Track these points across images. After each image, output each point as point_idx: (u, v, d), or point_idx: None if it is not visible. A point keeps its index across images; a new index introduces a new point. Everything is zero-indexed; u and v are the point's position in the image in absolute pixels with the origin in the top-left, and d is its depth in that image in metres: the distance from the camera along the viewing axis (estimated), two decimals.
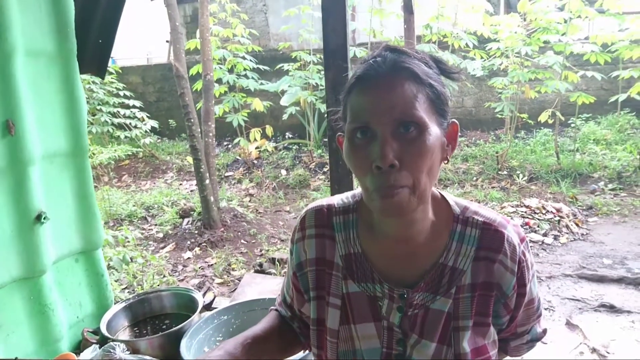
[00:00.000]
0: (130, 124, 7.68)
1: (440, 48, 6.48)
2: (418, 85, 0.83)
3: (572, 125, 6.80)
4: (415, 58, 0.86)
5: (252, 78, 7.23)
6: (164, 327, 1.80)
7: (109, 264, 3.44)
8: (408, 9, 4.74)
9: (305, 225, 1.04)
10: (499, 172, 6.49)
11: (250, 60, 7.15)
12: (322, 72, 7.43)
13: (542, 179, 6.23)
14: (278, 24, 8.82)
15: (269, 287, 2.29)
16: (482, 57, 6.54)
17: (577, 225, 4.92)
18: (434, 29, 6.33)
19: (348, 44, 2.11)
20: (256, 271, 4.23)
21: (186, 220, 5.60)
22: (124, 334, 1.77)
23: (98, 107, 7.54)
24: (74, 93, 1.69)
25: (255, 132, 7.12)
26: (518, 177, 6.22)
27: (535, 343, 1.10)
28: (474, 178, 6.47)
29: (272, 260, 4.44)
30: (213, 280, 4.44)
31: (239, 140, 7.18)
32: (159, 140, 8.88)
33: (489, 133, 7.60)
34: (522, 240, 0.94)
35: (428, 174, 0.83)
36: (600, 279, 3.93)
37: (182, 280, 4.46)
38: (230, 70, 7.10)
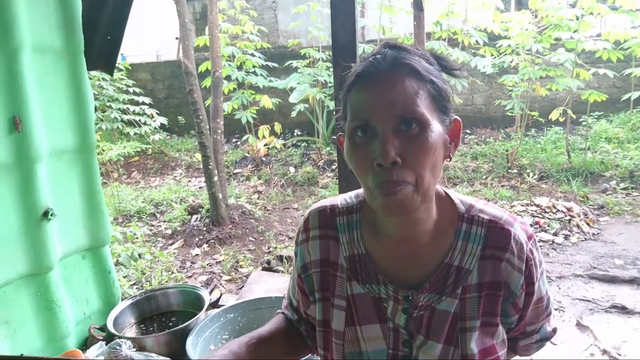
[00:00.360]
0: (139, 120, 7.71)
1: (450, 45, 6.43)
2: (419, 81, 0.82)
3: (584, 123, 6.72)
4: (415, 54, 0.85)
5: (261, 75, 7.23)
6: (171, 324, 1.80)
7: (117, 260, 3.45)
8: (418, 6, 4.70)
9: (309, 226, 1.03)
10: (509, 171, 6.44)
11: (259, 57, 7.15)
12: (331, 69, 7.41)
13: (552, 177, 6.17)
14: (287, 20, 8.81)
15: (276, 285, 2.29)
16: (492, 55, 6.48)
17: (588, 224, 4.87)
18: (444, 25, 6.29)
19: (357, 41, 2.09)
20: (264, 269, 4.23)
21: (195, 217, 5.61)
22: (131, 331, 1.77)
23: (108, 104, 7.57)
24: (81, 89, 1.69)
25: (263, 129, 7.12)
26: (528, 176, 6.17)
27: (545, 342, 1.09)
28: (484, 176, 6.43)
29: (280, 258, 4.43)
30: (221, 277, 4.44)
31: (248, 138, 7.18)
32: (168, 137, 8.90)
33: (499, 131, 7.54)
34: (529, 237, 0.92)
35: (431, 172, 0.82)
36: (612, 280, 3.89)
37: (190, 277, 4.47)
38: (239, 67, 7.10)
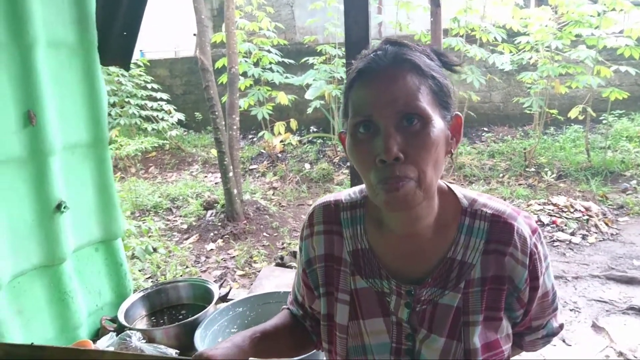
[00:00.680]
0: (157, 116, 7.78)
1: (467, 42, 6.37)
2: (420, 77, 0.82)
3: (604, 121, 6.60)
4: (416, 51, 0.85)
5: (277, 71, 7.24)
6: (181, 317, 1.82)
7: (133, 254, 3.50)
8: (435, 2, 4.66)
9: (314, 221, 1.03)
10: (527, 169, 6.36)
11: (276, 53, 7.16)
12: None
13: (571, 176, 6.07)
14: (304, 17, 8.80)
15: (287, 280, 2.29)
16: (510, 51, 6.39)
17: (606, 224, 4.79)
18: (462, 22, 6.22)
19: (370, 37, 2.09)
20: (277, 264, 4.24)
21: (210, 212, 5.65)
22: (142, 323, 1.80)
23: (126, 100, 7.66)
24: (95, 84, 1.71)
25: (279, 126, 7.13)
26: (546, 175, 6.08)
27: (551, 338, 1.07)
28: (501, 175, 6.36)
29: (294, 254, 4.45)
30: (235, 272, 4.47)
31: (264, 134, 7.21)
32: (186, 132, 8.98)
33: (517, 129, 7.44)
34: (533, 231, 0.91)
35: (433, 167, 0.82)
36: (630, 281, 3.82)
37: (205, 271, 4.51)
38: (256, 64, 7.12)
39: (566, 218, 4.85)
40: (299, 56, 7.71)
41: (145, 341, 1.61)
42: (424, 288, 0.90)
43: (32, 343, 1.16)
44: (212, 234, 5.25)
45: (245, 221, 5.32)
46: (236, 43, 5.45)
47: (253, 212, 5.53)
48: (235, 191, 5.24)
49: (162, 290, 1.86)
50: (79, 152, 1.69)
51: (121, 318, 1.69)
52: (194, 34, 9.05)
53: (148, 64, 8.44)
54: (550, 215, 4.92)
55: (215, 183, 6.96)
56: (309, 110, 7.31)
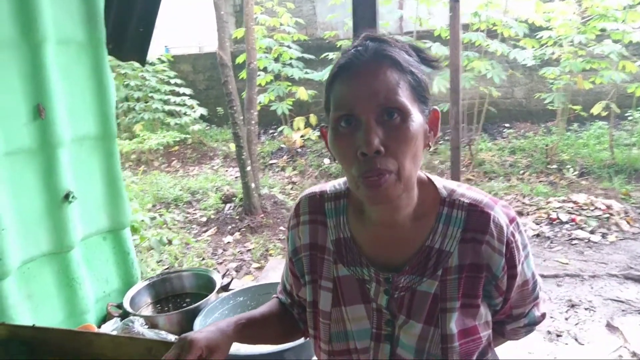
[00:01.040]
0: (180, 111, 7.92)
1: (488, 36, 6.29)
2: (400, 72, 0.84)
3: (630, 117, 6.44)
4: (396, 47, 0.87)
5: (297, 67, 7.28)
6: (185, 305, 1.87)
7: (149, 245, 3.60)
8: None
9: (300, 212, 1.07)
10: (548, 166, 6.26)
11: (296, 49, 7.19)
12: None
13: (593, 174, 5.95)
14: (325, 12, 8.81)
15: None
16: (533, 46, 6.28)
17: (628, 223, 4.69)
18: (483, 16, 6.14)
19: (377, 32, 2.10)
20: None
21: (228, 205, 5.74)
22: (147, 310, 1.86)
23: (150, 95, 7.81)
24: (103, 80, 1.78)
25: (299, 121, 7.18)
26: (568, 172, 5.98)
27: (533, 327, 1.10)
28: (521, 171, 6.27)
29: None
30: (250, 264, 4.55)
31: (283, 129, 7.26)
32: (208, 127, 9.10)
33: (540, 125, 7.31)
34: (511, 220, 0.93)
35: (412, 160, 0.85)
36: None
37: (221, 263, 4.60)
38: (276, 59, 7.17)
39: (586, 216, 4.77)
40: (320, 51, 7.73)
41: (147, 327, 1.67)
42: (402, 275, 0.93)
43: (33, 324, 1.23)
44: (229, 227, 5.34)
45: (262, 215, 5.39)
46: (255, 39, 5.51)
47: (270, 206, 5.60)
48: (252, 185, 5.31)
49: (166, 279, 1.92)
50: (87, 145, 1.76)
51: (126, 305, 1.76)
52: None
53: (172, 59, 8.57)
54: (570, 213, 4.84)
55: (235, 177, 7.05)
56: None
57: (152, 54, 8.08)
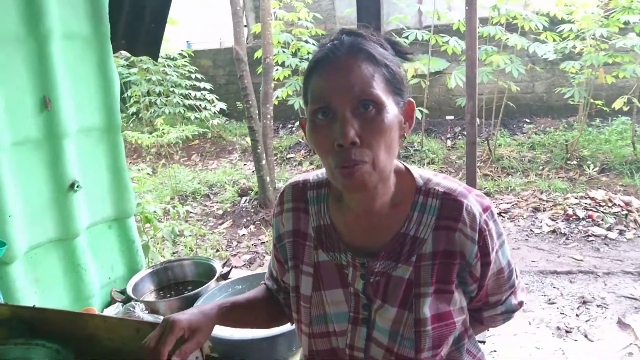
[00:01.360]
0: (200, 105, 8.03)
1: (508, 30, 6.20)
2: (374, 65, 0.87)
3: None
4: (370, 40, 0.90)
5: None
6: (186, 292, 1.93)
7: (162, 236, 3.69)
8: None
9: (284, 200, 1.11)
10: (568, 162, 6.16)
11: (313, 43, 7.21)
12: None
13: (614, 170, 5.84)
14: (344, 7, 8.79)
15: None
16: (554, 40, 6.17)
17: None
18: (502, 10, 6.06)
19: (382, 25, 2.13)
20: None
21: (244, 198, 5.82)
22: (150, 297, 1.93)
23: (171, 89, 7.93)
24: (108, 74, 1.84)
25: None
26: (588, 168, 5.87)
27: (511, 315, 1.12)
28: (540, 167, 6.19)
29: None
30: (264, 257, 4.61)
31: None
32: (227, 121, 9.20)
33: (561, 121, 7.18)
34: (485, 209, 0.95)
35: (387, 150, 0.87)
36: None
37: (235, 255, 4.68)
38: (294, 54, 7.20)
39: (603, 213, 4.69)
40: None
41: (148, 312, 1.74)
42: (377, 261, 0.96)
43: (34, 305, 1.29)
44: (245, 219, 5.42)
45: None
46: (271, 34, 5.55)
47: None
48: (268, 179, 5.37)
49: (168, 267, 1.98)
50: (92, 136, 1.82)
51: (129, 291, 1.82)
52: (244, 25, 9.24)
53: (192, 54, 8.68)
54: (587, 209, 4.77)
55: (252, 171, 7.13)
56: None
57: (174, 49, 8.20)
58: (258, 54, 6.69)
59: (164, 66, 7.85)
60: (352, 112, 0.85)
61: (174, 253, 4.44)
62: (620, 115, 6.51)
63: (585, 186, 5.50)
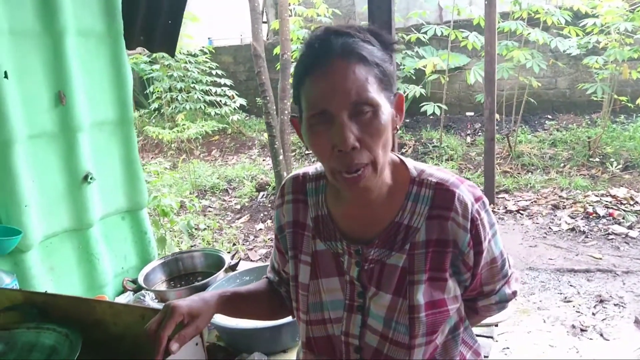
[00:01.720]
0: (220, 101, 8.12)
1: (529, 25, 6.11)
2: (367, 67, 0.88)
3: None
4: (358, 39, 0.90)
5: None
6: (196, 283, 1.98)
7: (180, 229, 3.77)
8: None
9: (285, 192, 1.14)
10: (590, 159, 6.04)
11: None
12: (405, 52, 7.32)
13: (638, 167, 5.71)
14: (363, 2, 8.77)
15: None
16: (577, 35, 6.06)
17: None
18: (524, 4, 5.97)
19: (393, 22, 2.13)
20: None
21: (261, 193, 5.88)
22: (161, 287, 1.98)
23: (192, 85, 8.04)
24: (121, 69, 1.89)
25: None
26: (611, 165, 5.75)
27: (505, 304, 1.13)
28: (561, 164, 6.09)
29: None
30: None
31: None
32: (247, 117, 9.28)
33: (584, 117, 7.05)
34: (477, 199, 0.97)
35: (384, 148, 0.91)
36: None
37: (251, 249, 4.73)
38: None
39: (624, 211, 4.60)
40: None
41: (157, 301, 1.79)
42: (372, 248, 0.99)
43: (45, 291, 1.35)
44: (262, 214, 5.47)
45: None
46: (289, 30, 5.58)
47: None
48: (285, 174, 5.41)
49: (179, 258, 2.04)
50: (106, 130, 1.88)
51: (140, 280, 1.88)
52: (264, 22, 9.29)
53: (213, 50, 8.78)
54: (607, 207, 4.68)
55: (271, 167, 7.19)
56: None
57: (196, 45, 8.30)
58: (277, 50, 6.73)
59: (186, 62, 7.96)
60: (349, 116, 0.87)
61: (192, 246, 4.51)
62: None
63: (607, 184, 5.39)
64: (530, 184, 5.69)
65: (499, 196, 5.51)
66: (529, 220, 4.88)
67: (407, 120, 8.01)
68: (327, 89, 0.87)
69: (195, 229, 4.19)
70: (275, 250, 1.22)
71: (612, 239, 4.35)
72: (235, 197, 6.14)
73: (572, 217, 4.77)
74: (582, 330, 3.15)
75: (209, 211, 5.72)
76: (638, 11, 5.56)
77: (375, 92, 0.87)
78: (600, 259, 4.02)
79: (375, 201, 0.99)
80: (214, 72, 8.29)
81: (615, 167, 5.72)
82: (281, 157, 5.35)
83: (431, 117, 7.28)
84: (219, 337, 1.63)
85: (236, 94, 8.29)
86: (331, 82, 0.87)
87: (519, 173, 6.08)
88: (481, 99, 6.36)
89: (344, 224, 1.03)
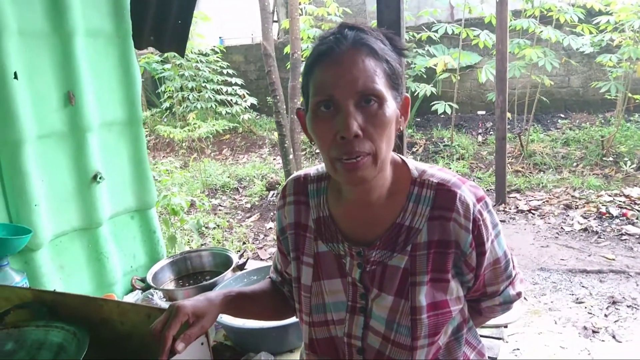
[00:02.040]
0: (231, 100, 8.14)
1: (542, 23, 6.05)
2: (376, 60, 0.89)
3: None
4: (372, 35, 0.91)
5: None
6: (204, 282, 1.98)
7: (190, 228, 3.79)
8: None
9: (286, 193, 1.14)
10: (604, 158, 5.97)
11: None
12: (415, 51, 7.29)
13: None
14: (374, 1, 8.75)
15: None
16: (590, 32, 5.98)
17: None
18: (536, 2, 5.91)
19: (402, 21, 2.12)
20: None
21: (272, 192, 5.90)
22: (169, 286, 1.99)
23: (203, 85, 8.07)
24: (130, 70, 1.91)
25: None
26: (625, 165, 5.68)
27: (509, 305, 1.12)
28: (574, 164, 6.03)
29: None
30: None
31: None
32: (258, 116, 9.31)
33: (597, 116, 6.96)
34: (479, 200, 0.96)
35: (387, 143, 0.90)
36: None
37: (261, 248, 4.75)
38: None
39: (638, 211, 4.54)
40: None
41: (166, 299, 1.80)
42: (373, 250, 0.98)
43: (54, 290, 1.36)
44: (272, 213, 5.48)
45: None
46: (299, 29, 5.58)
47: None
48: (294, 173, 5.42)
49: (187, 257, 2.05)
50: (115, 130, 1.90)
51: (149, 279, 1.89)
52: (275, 21, 9.32)
53: (224, 50, 8.81)
54: (620, 207, 4.62)
55: (281, 166, 7.20)
56: None
57: (207, 45, 8.33)
58: (287, 49, 6.74)
59: (197, 62, 8.00)
60: (355, 105, 0.87)
61: (202, 245, 4.53)
62: None
63: (621, 183, 5.33)
64: (542, 183, 5.64)
65: (511, 196, 5.46)
66: (541, 220, 4.83)
67: (418, 119, 7.98)
68: (335, 76, 0.87)
69: (205, 227, 4.20)
70: (278, 252, 1.22)
71: (625, 239, 4.29)
72: (245, 195, 6.16)
73: (584, 217, 4.71)
74: (594, 331, 3.12)
75: (220, 210, 5.75)
76: None
77: (382, 86, 0.87)
78: (613, 259, 3.97)
79: (377, 202, 0.99)
80: (225, 71, 8.31)
81: (629, 166, 5.65)
82: (291, 156, 5.36)
83: (442, 116, 7.23)
84: (226, 337, 1.64)
85: (247, 93, 8.32)
86: (340, 69, 0.87)
87: (530, 172, 6.03)
88: (492, 98, 6.32)
89: (346, 225, 1.03)
